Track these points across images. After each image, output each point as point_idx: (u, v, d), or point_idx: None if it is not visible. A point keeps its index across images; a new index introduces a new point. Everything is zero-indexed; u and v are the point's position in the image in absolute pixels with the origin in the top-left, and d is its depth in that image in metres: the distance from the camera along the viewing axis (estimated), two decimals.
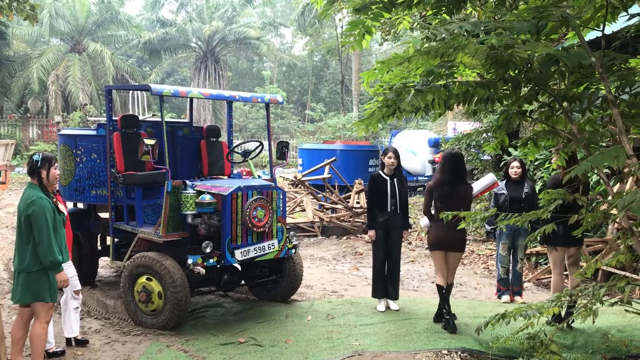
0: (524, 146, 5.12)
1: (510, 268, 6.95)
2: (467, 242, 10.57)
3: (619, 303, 4.25)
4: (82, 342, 5.36)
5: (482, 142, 10.99)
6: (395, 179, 6.24)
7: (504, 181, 6.89)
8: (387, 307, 6.33)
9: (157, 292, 5.72)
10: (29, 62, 28.76)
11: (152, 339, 5.54)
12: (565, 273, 5.97)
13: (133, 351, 5.24)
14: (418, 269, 9.08)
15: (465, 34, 3.63)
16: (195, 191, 5.97)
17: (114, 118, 6.76)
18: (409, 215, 6.64)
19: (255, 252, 6.01)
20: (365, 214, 11.10)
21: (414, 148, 18.59)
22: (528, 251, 8.03)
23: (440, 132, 21.14)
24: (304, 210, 12.41)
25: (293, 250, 6.52)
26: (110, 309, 6.46)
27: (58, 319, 5.69)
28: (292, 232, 6.51)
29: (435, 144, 17.62)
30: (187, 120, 8.23)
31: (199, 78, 32.61)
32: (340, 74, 34.88)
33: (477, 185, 6.24)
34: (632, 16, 3.88)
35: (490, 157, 12.06)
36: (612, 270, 7.02)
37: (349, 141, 22.60)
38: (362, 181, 12.66)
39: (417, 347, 5.09)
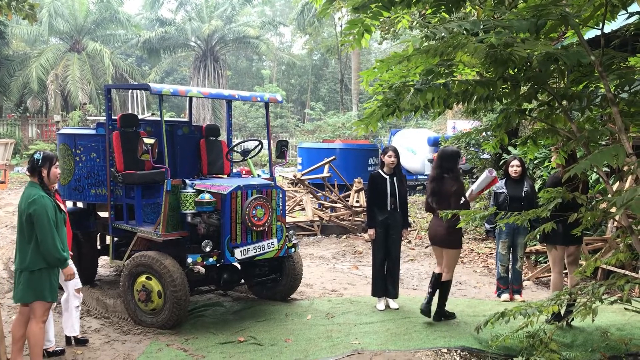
0: (524, 145, 5.13)
1: (510, 267, 6.95)
2: (467, 241, 10.62)
3: (619, 301, 4.26)
4: (81, 341, 5.36)
5: (481, 140, 10.98)
6: (394, 178, 6.24)
7: (504, 180, 6.89)
8: (387, 306, 6.34)
9: (157, 291, 5.72)
10: (28, 61, 28.74)
11: (151, 338, 5.54)
12: (564, 271, 5.97)
13: (133, 350, 5.24)
14: (418, 267, 9.08)
15: (464, 32, 3.63)
16: (194, 190, 5.97)
17: (113, 117, 6.76)
18: (409, 214, 6.64)
19: (255, 251, 6.01)
20: (365, 213, 11.11)
21: (414, 147, 18.59)
22: (527, 250, 8.04)
23: (440, 130, 21.14)
24: (303, 209, 12.42)
25: (292, 249, 6.52)
26: (109, 308, 6.47)
27: (58, 318, 5.69)
28: (291, 231, 6.51)
29: (434, 143, 17.62)
30: (186, 119, 8.23)
31: (198, 77, 32.60)
32: (339, 73, 34.88)
33: (475, 184, 6.24)
34: (632, 14, 3.88)
35: (489, 156, 12.07)
36: (612, 268, 7.03)
37: (349, 140, 22.59)
38: (361, 180, 12.66)
39: (417, 345, 5.10)
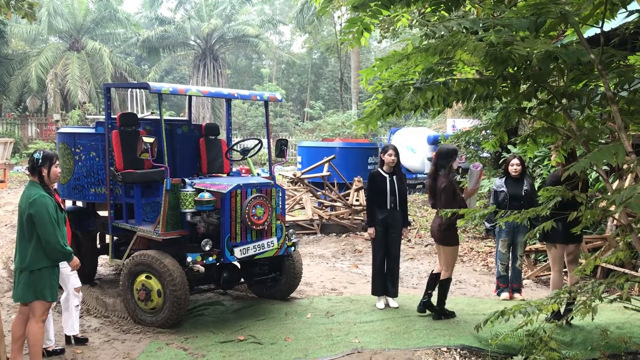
0: (523, 143, 5.13)
1: (510, 265, 6.95)
2: (467, 239, 10.62)
3: (618, 300, 4.26)
4: (81, 341, 5.36)
5: (481, 139, 10.98)
6: (394, 177, 6.24)
7: (504, 178, 6.89)
8: (387, 305, 6.34)
9: (157, 290, 5.72)
10: (28, 60, 28.73)
11: (151, 337, 5.54)
12: (564, 270, 5.97)
13: (132, 349, 5.24)
14: (417, 266, 9.08)
15: (464, 31, 3.63)
16: (194, 189, 5.97)
17: (112, 116, 6.75)
18: (408, 212, 6.64)
19: (255, 249, 6.01)
20: (365, 212, 11.10)
21: (413, 145, 18.58)
22: (527, 248, 8.04)
23: (440, 129, 21.13)
24: (303, 208, 12.41)
25: (292, 248, 6.52)
26: (109, 307, 6.46)
27: (58, 317, 5.69)
28: (291, 230, 6.51)
29: (434, 142, 17.61)
30: (186, 118, 8.23)
31: (198, 76, 32.58)
32: (339, 72, 34.86)
33: (468, 182, 6.23)
34: (631, 13, 3.88)
35: (489, 155, 12.06)
36: (611, 267, 7.03)
37: (348, 139, 22.59)
38: (361, 179, 12.65)
39: (417, 344, 5.10)
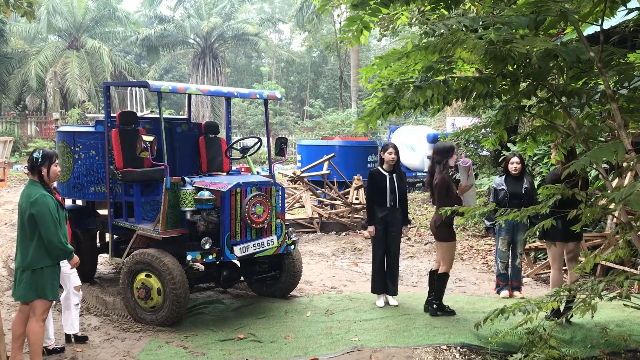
0: (523, 141, 5.13)
1: (509, 263, 6.95)
2: (467, 237, 10.63)
3: (618, 298, 4.26)
4: (81, 339, 5.36)
5: (480, 137, 10.97)
6: (394, 175, 6.24)
7: (504, 177, 6.89)
8: (386, 303, 6.34)
9: (157, 288, 5.72)
10: (27, 59, 28.70)
11: (151, 336, 5.54)
12: (564, 268, 5.97)
13: (132, 347, 5.24)
14: (417, 264, 9.09)
15: (463, 29, 3.63)
16: (194, 187, 5.97)
17: (112, 115, 6.75)
18: (408, 210, 6.64)
19: (254, 248, 6.01)
20: (364, 210, 11.10)
21: (413, 144, 18.57)
22: (527, 246, 8.04)
23: (439, 127, 21.12)
24: (303, 206, 12.42)
25: (292, 247, 6.53)
26: (109, 305, 6.47)
27: (58, 316, 5.69)
28: (291, 228, 6.51)
29: (434, 140, 17.59)
30: (185, 116, 8.23)
31: (197, 74, 32.56)
32: (338, 70, 34.82)
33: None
34: (631, 10, 3.88)
35: (489, 153, 12.06)
36: (611, 265, 7.03)
37: (348, 137, 22.58)
38: (361, 177, 12.65)
39: (417, 342, 5.10)
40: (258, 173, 6.97)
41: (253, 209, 5.89)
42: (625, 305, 4.45)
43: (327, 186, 12.76)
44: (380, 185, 6.20)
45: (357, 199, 12.42)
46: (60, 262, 4.63)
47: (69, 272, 5.15)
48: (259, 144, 7.15)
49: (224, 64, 34.89)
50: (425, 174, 17.59)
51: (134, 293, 5.90)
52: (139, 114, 8.99)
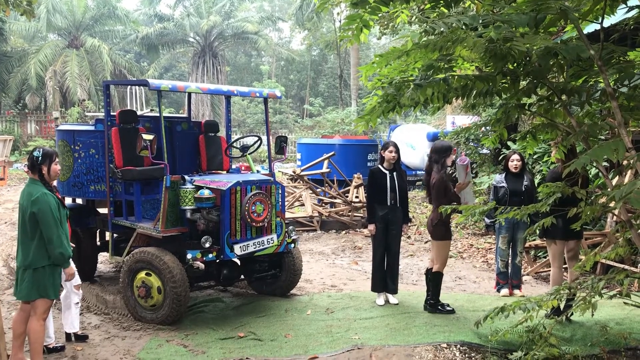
0: (523, 139, 5.12)
1: (509, 261, 6.96)
2: (467, 236, 10.63)
3: (618, 296, 4.26)
4: (81, 338, 5.37)
5: (480, 135, 10.98)
6: (394, 173, 6.24)
7: (504, 174, 6.89)
8: (387, 301, 6.34)
9: (157, 287, 5.72)
10: (27, 57, 28.69)
11: (151, 334, 5.54)
12: (564, 266, 5.97)
13: (133, 346, 5.24)
14: (417, 262, 9.09)
15: (463, 27, 3.62)
16: (194, 186, 5.97)
17: (112, 113, 6.74)
18: (409, 209, 6.64)
19: (255, 246, 6.01)
20: (364, 209, 11.11)
21: (413, 142, 18.55)
22: (527, 244, 8.04)
23: (439, 126, 21.12)
24: (303, 204, 12.42)
25: (292, 245, 6.53)
26: (109, 304, 6.47)
27: (58, 315, 5.69)
28: (291, 227, 6.51)
29: (434, 138, 17.58)
30: (185, 115, 8.22)
31: (197, 73, 32.54)
32: (338, 68, 34.80)
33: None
34: (631, 8, 3.87)
35: (489, 151, 12.06)
36: (611, 263, 7.04)
37: (348, 135, 22.58)
38: (360, 175, 12.66)
39: (417, 340, 5.10)
40: (258, 171, 6.97)
41: (253, 208, 5.89)
42: (625, 303, 4.46)
43: (327, 185, 12.76)
44: (381, 183, 6.20)
45: (357, 197, 12.42)
46: (70, 258, 4.62)
47: None
48: (258, 142, 7.15)
49: (223, 62, 34.87)
50: (424, 172, 17.61)
51: (134, 292, 5.90)
52: (139, 112, 8.98)
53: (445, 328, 5.39)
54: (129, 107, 22.43)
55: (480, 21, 3.58)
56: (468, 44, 3.50)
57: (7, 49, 29.45)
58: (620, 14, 4.15)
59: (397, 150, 6.27)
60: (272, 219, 6.14)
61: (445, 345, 4.96)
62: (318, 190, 12.72)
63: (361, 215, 11.94)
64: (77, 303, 5.37)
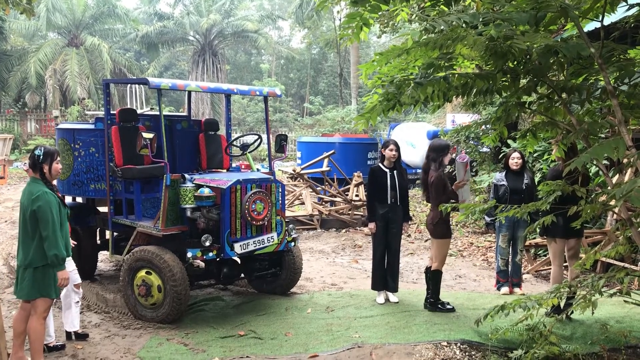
0: (523, 138, 5.12)
1: (510, 260, 6.96)
2: (467, 234, 10.63)
3: (618, 294, 4.27)
4: (82, 336, 5.37)
5: (481, 134, 10.98)
6: (395, 172, 6.24)
7: (504, 173, 6.89)
8: (387, 300, 6.34)
9: (157, 285, 5.72)
10: (26, 56, 28.67)
11: (152, 333, 5.55)
12: (564, 264, 5.97)
13: (133, 345, 5.24)
14: (417, 261, 9.09)
15: (463, 25, 3.62)
16: (194, 185, 5.97)
17: (112, 112, 6.74)
18: (409, 207, 6.65)
19: (255, 245, 6.01)
20: (365, 207, 11.10)
21: (413, 140, 18.55)
22: (527, 243, 8.04)
23: (439, 124, 21.11)
24: (303, 203, 12.41)
25: (292, 243, 6.53)
26: (109, 302, 6.47)
27: (58, 313, 5.69)
28: (291, 225, 6.51)
29: (434, 137, 17.58)
30: (185, 113, 8.22)
31: (197, 71, 32.53)
32: (338, 67, 34.78)
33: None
34: (632, 6, 3.87)
35: (489, 149, 12.06)
36: (611, 261, 7.04)
37: (348, 134, 22.58)
38: (361, 174, 12.65)
39: (417, 338, 5.10)
40: (258, 170, 6.97)
41: (253, 206, 5.89)
42: (625, 301, 4.46)
43: (327, 183, 12.76)
44: (381, 182, 6.20)
45: (357, 195, 12.42)
46: (65, 261, 4.61)
47: (69, 270, 5.15)
48: (258, 141, 7.15)
49: (223, 61, 34.86)
50: None
51: (134, 290, 5.90)
52: (139, 111, 8.98)
53: (446, 326, 5.39)
54: (129, 106, 22.41)
55: (481, 19, 3.58)
56: (468, 42, 3.50)
57: (7, 48, 29.44)
58: (620, 12, 4.15)
59: (398, 149, 6.26)
60: (272, 217, 6.14)
61: (445, 343, 4.96)
62: (318, 188, 12.72)
63: (361, 213, 11.94)
64: (78, 302, 5.37)
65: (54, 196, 4.46)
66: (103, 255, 8.04)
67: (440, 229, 5.86)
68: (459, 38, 3.52)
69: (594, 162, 4.00)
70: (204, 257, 5.79)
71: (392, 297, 6.36)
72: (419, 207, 13.75)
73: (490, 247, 9.64)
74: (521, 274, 7.11)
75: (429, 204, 6.11)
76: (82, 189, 6.87)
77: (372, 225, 6.27)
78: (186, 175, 6.11)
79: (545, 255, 8.25)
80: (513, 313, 4.18)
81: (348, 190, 12.74)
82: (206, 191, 5.85)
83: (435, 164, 5.89)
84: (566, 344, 4.66)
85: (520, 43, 3.49)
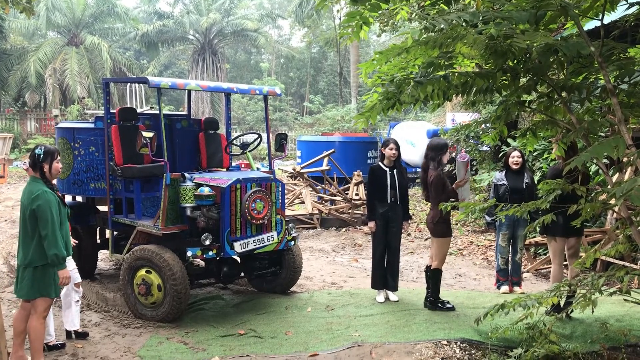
0: (523, 137, 5.12)
1: (510, 258, 6.96)
2: (467, 233, 10.63)
3: (618, 293, 4.26)
4: (82, 335, 5.37)
5: (480, 132, 10.97)
6: (395, 171, 6.24)
7: (504, 172, 6.89)
8: (387, 298, 6.35)
9: (157, 284, 5.73)
10: (26, 55, 28.66)
11: (152, 332, 5.55)
12: (564, 263, 5.97)
13: (133, 343, 5.25)
14: (417, 260, 9.09)
15: (463, 24, 3.62)
16: (194, 184, 5.97)
17: (111, 111, 6.74)
18: (409, 206, 6.65)
19: (255, 244, 6.01)
20: (364, 206, 11.10)
21: (413, 139, 18.55)
22: (527, 241, 8.04)
23: (439, 123, 21.10)
24: (303, 202, 12.42)
25: (292, 242, 6.53)
26: (110, 301, 6.47)
27: (58, 312, 5.70)
28: (291, 224, 6.51)
29: (434, 136, 17.58)
30: (185, 112, 8.21)
31: (197, 70, 32.53)
32: (338, 66, 34.78)
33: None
34: (632, 5, 3.87)
35: (489, 148, 12.06)
36: (611, 260, 7.04)
37: (348, 133, 22.57)
38: (360, 173, 12.65)
39: (417, 337, 5.10)
40: (258, 169, 6.97)
41: (253, 205, 5.89)
42: (625, 300, 4.46)
43: (327, 182, 12.76)
44: (381, 181, 6.20)
45: (357, 194, 12.42)
46: (65, 260, 4.61)
47: (70, 269, 5.15)
48: (258, 140, 7.15)
49: (223, 60, 34.85)
50: None
51: (134, 289, 5.90)
52: (139, 110, 8.97)
53: (446, 325, 5.39)
54: (128, 105, 22.41)
55: (481, 18, 3.57)
56: (468, 41, 3.50)
57: (7, 47, 29.42)
58: (620, 11, 4.14)
59: (398, 148, 6.26)
60: (272, 216, 6.14)
61: (445, 342, 4.97)
62: (318, 187, 12.73)
63: (361, 212, 11.94)
64: (78, 301, 5.38)
65: (54, 195, 4.46)
66: (103, 254, 8.04)
67: (440, 227, 5.87)
68: (458, 37, 3.52)
69: (594, 161, 4.00)
70: (204, 256, 5.79)
71: (392, 296, 6.36)
72: (419, 206, 13.75)
73: (490, 246, 9.64)
74: (521, 272, 7.12)
75: (429, 203, 6.11)
76: (82, 188, 6.87)
77: (372, 224, 6.27)
78: (186, 174, 6.11)
79: (545, 254, 8.26)
80: (513, 312, 4.18)
81: (348, 189, 12.74)
82: (206, 190, 5.85)
83: (434, 163, 5.89)
84: (566, 343, 4.67)
85: (520, 42, 3.49)
